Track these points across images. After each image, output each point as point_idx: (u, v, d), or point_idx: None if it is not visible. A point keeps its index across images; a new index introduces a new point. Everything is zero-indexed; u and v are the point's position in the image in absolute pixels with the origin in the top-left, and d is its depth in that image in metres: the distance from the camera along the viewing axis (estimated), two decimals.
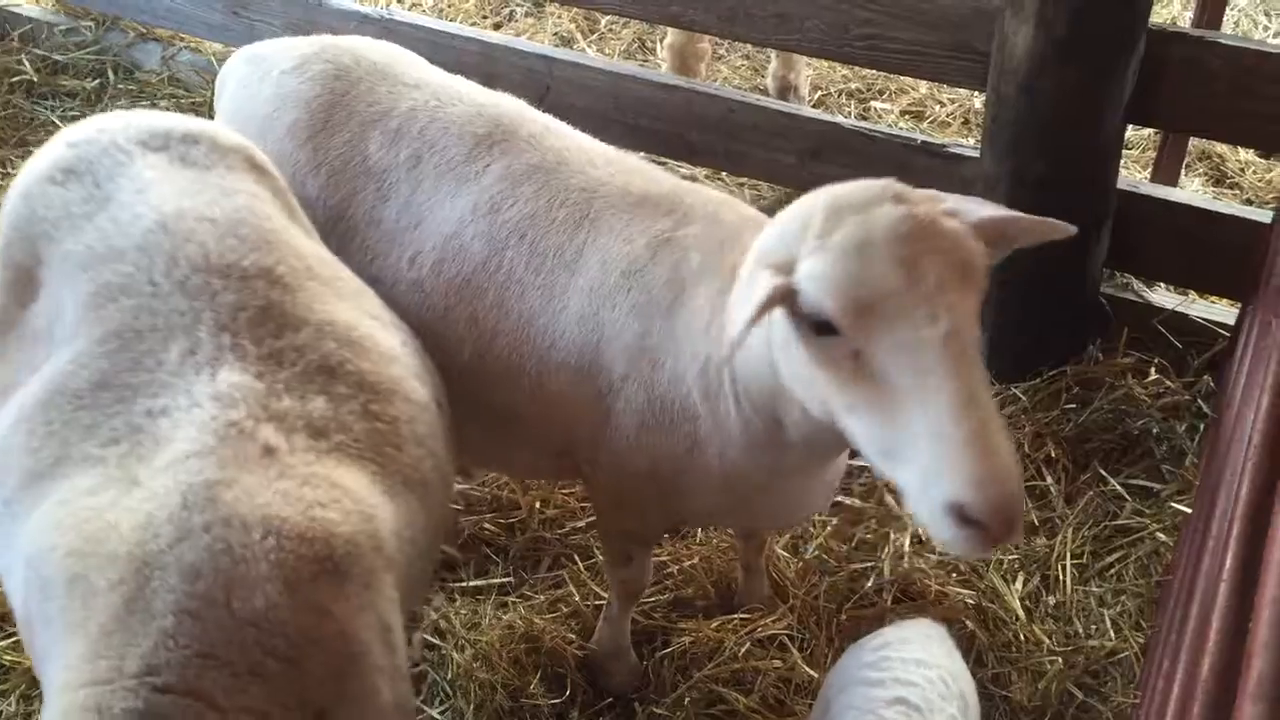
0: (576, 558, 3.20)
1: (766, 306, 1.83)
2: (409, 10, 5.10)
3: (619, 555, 2.77)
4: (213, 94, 4.86)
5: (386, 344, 2.00)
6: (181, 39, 5.14)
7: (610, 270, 2.39)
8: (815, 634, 3.02)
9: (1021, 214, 1.96)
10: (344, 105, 2.66)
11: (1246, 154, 4.51)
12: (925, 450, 1.68)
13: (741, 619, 3.05)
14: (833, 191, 1.93)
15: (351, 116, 2.65)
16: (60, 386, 1.77)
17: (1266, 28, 5.31)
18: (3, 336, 1.98)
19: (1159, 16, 5.26)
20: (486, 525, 3.28)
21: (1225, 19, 5.25)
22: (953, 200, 1.93)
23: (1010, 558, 3.21)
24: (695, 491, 2.44)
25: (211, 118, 4.79)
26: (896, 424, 1.72)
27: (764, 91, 4.83)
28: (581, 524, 3.31)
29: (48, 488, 1.69)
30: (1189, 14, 4.67)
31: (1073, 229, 1.95)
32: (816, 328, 1.80)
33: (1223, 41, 3.23)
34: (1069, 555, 3.21)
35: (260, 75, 2.78)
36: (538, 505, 3.33)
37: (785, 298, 1.84)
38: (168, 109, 4.86)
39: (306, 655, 1.55)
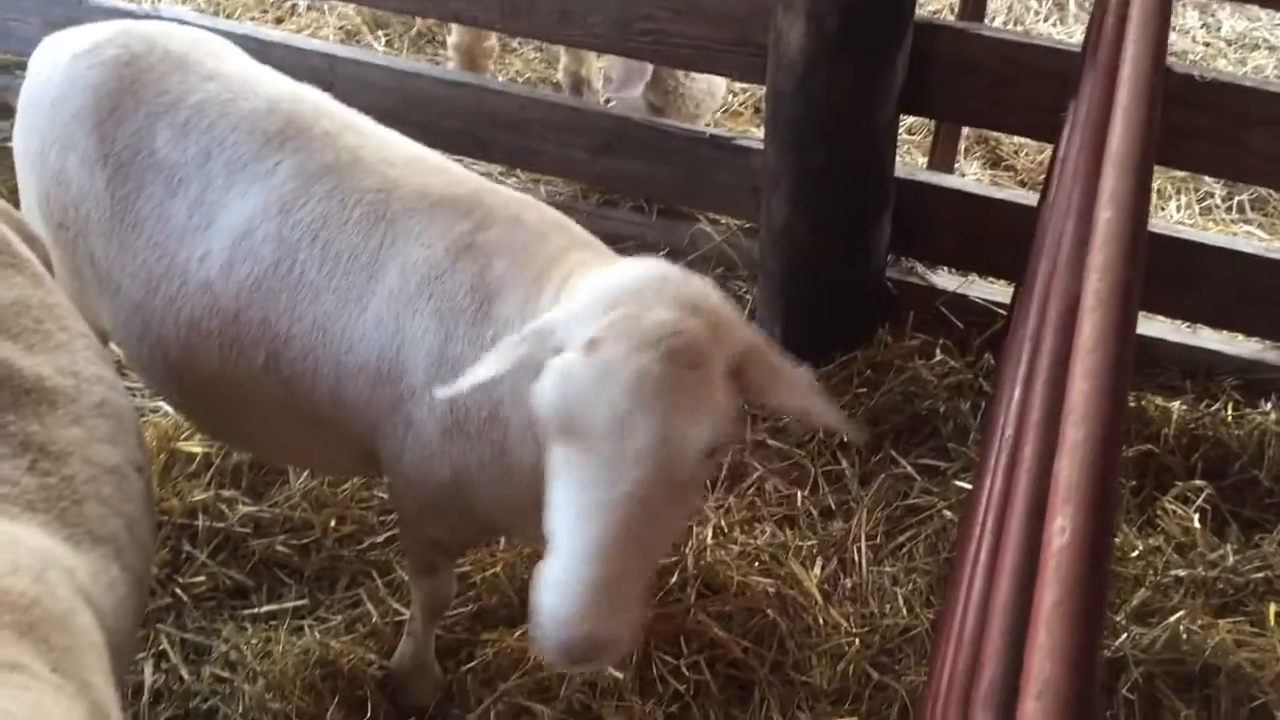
0: (375, 575, 3.12)
1: (507, 365, 1.90)
2: (181, 5, 4.85)
3: (423, 566, 2.71)
4: None
5: (70, 405, 1.91)
6: None
7: (410, 275, 2.34)
8: None
9: (825, 409, 1.97)
10: (132, 94, 2.55)
11: (1020, 137, 4.70)
12: (550, 560, 1.80)
13: None
14: (627, 311, 1.87)
15: (140, 106, 2.55)
16: None
17: (1037, 12, 5.55)
18: None
19: (937, 4, 5.44)
20: (279, 547, 3.16)
21: (999, 4, 5.49)
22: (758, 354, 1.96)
23: (809, 543, 3.28)
24: (503, 500, 2.40)
25: None
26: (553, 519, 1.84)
27: (557, 86, 4.79)
28: (380, 539, 3.22)
29: None
30: None
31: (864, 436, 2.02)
32: None
33: (985, 34, 3.35)
34: (864, 537, 3.29)
35: (54, 60, 2.67)
36: (333, 523, 3.22)
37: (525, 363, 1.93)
38: None
39: None
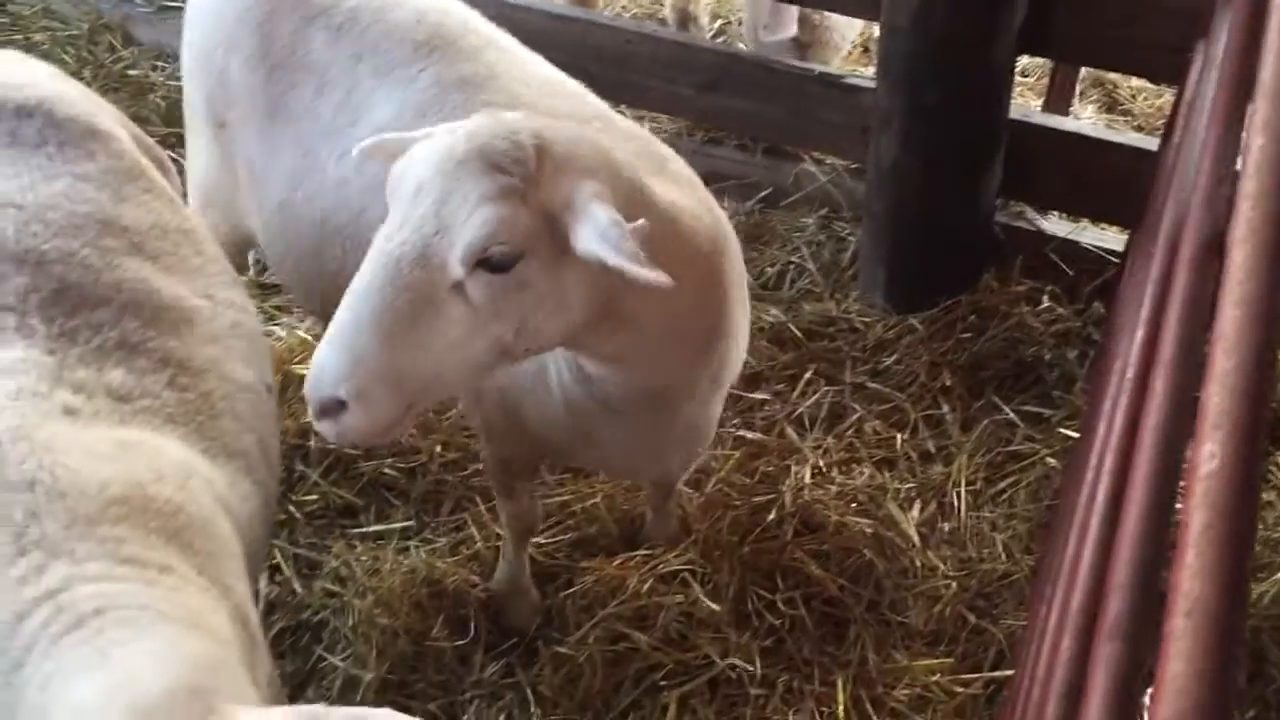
0: (478, 499, 3.19)
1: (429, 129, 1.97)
2: None
3: (502, 487, 2.79)
4: (91, 26, 4.72)
5: (206, 325, 1.98)
6: None
7: None
8: (718, 568, 3.05)
9: (624, 266, 1.78)
10: None
11: (1138, 81, 4.57)
12: None
13: (644, 555, 3.07)
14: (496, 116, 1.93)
15: (298, 8, 2.66)
16: None
17: None
18: None
19: None
20: (386, 469, 3.25)
21: None
22: (580, 193, 1.85)
23: (907, 486, 3.27)
24: (543, 422, 2.44)
25: (89, 50, 4.61)
26: None
27: (663, 22, 4.77)
28: (483, 466, 3.29)
29: None
30: None
31: (663, 281, 1.79)
32: None
33: None
34: (964, 482, 3.28)
35: None
36: (439, 449, 3.30)
37: None
38: (43, 42, 4.66)
39: None
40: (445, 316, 1.80)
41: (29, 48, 4.60)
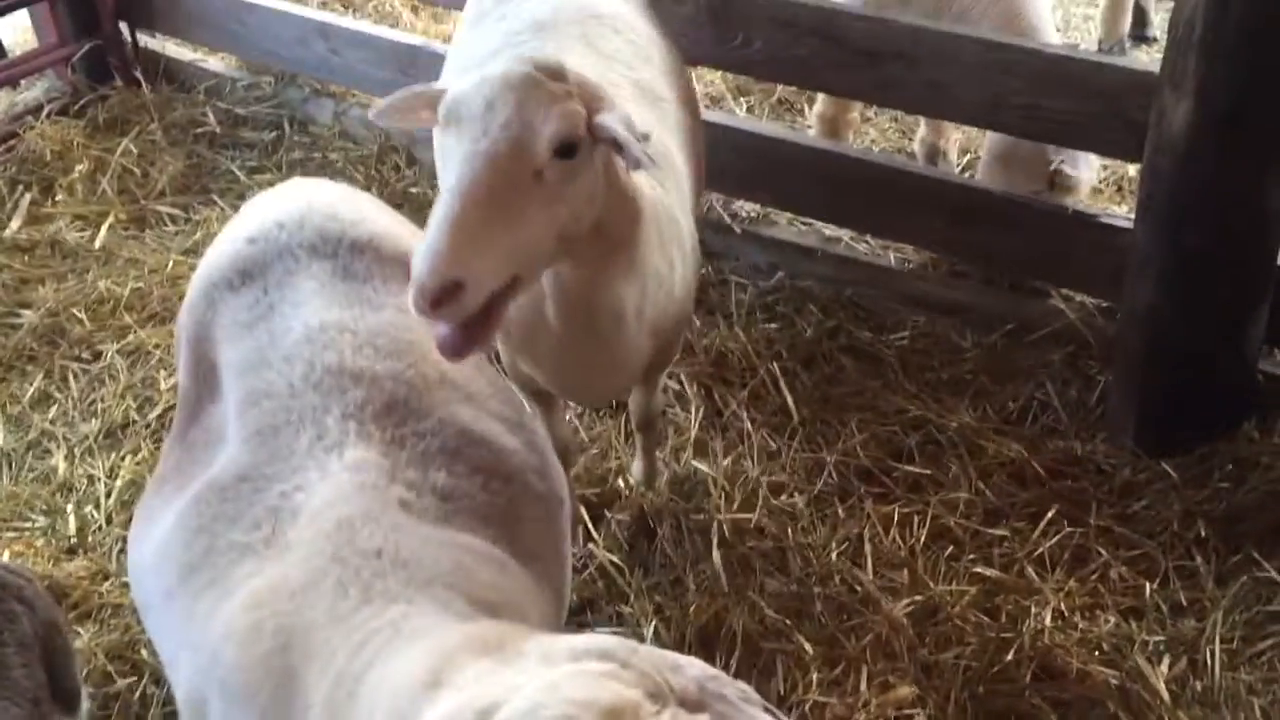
0: None
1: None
2: None
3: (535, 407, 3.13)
4: (379, 146, 5.17)
5: (504, 441, 2.18)
6: (353, 95, 5.40)
7: None
8: (948, 706, 2.99)
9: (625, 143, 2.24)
10: None
11: None
12: None
13: (875, 692, 3.03)
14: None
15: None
16: (210, 482, 1.99)
17: None
18: (191, 425, 2.19)
19: None
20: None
21: None
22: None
23: (1156, 639, 3.14)
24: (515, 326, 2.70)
25: (377, 169, 5.04)
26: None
27: (911, 155, 4.85)
28: None
29: (201, 578, 1.89)
30: None
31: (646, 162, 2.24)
32: None
33: None
34: (1218, 639, 3.12)
35: None
36: None
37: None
38: (337, 161, 5.12)
39: None
40: (529, 199, 2.17)
41: (325, 164, 5.09)
